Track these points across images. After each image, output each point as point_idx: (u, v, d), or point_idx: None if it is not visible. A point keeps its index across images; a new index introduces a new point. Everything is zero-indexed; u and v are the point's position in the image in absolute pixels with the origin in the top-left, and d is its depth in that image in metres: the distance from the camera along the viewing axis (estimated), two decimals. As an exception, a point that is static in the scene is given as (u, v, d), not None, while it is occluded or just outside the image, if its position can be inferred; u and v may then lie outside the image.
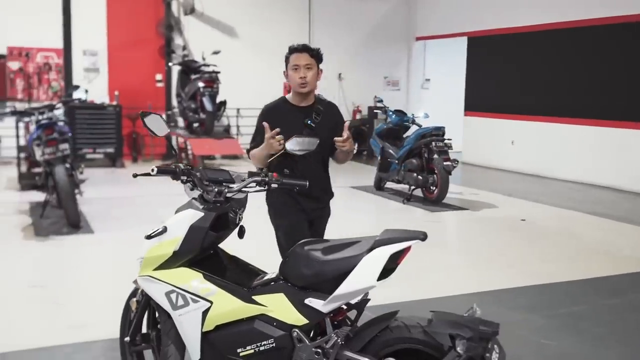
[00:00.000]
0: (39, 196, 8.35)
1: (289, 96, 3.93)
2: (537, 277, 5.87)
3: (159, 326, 3.29)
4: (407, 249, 2.84)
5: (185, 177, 3.01)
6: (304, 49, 3.80)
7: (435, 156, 8.79)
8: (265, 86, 13.70)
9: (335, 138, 3.67)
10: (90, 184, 9.37)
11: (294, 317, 2.92)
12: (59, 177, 6.89)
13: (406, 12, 15.84)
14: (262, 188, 3.18)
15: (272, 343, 2.94)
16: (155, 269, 3.09)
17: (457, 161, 8.97)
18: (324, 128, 3.79)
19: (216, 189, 3.03)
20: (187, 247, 3.01)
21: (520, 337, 4.43)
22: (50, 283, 5.49)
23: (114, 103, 12.36)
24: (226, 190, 3.05)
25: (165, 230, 3.04)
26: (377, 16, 15.54)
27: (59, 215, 7.44)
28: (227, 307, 2.98)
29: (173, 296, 3.04)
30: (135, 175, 3.02)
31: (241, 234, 3.17)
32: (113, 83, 13.01)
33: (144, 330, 3.43)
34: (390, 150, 9.62)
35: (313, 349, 2.88)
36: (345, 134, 3.67)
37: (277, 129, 3.59)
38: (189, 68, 11.37)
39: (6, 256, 6.26)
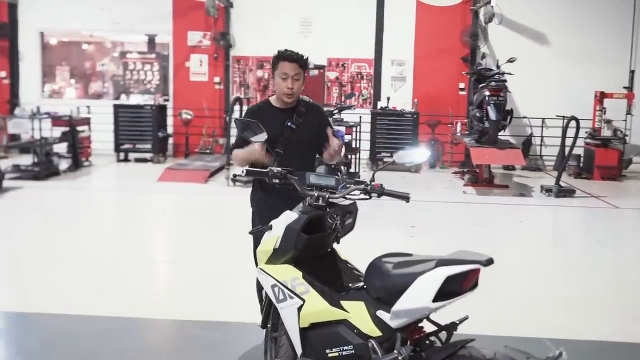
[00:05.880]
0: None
1: (272, 98, 4.06)
2: None
3: None
4: (472, 273, 2.64)
5: (277, 180, 3.21)
6: (294, 59, 3.86)
7: None
8: (575, 96, 12.87)
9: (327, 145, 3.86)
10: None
11: (369, 327, 2.94)
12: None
13: None
14: (365, 196, 3.22)
15: (351, 350, 3.00)
16: (266, 263, 3.37)
17: None
18: (306, 128, 3.94)
19: (316, 194, 3.17)
20: (284, 246, 3.21)
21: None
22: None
23: (412, 110, 12.91)
24: (327, 195, 3.17)
25: (270, 227, 3.30)
26: None
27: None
28: (317, 307, 3.11)
29: (276, 290, 3.27)
30: (234, 176, 3.35)
31: (337, 239, 3.27)
32: (417, 91, 13.61)
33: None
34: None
35: (383, 364, 2.86)
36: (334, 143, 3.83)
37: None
38: (483, 76, 11.28)
39: (240, 238, 7.12)
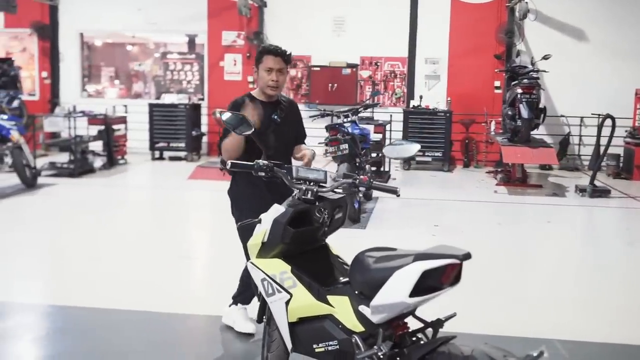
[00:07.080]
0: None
1: (255, 92, 4.10)
2: None
3: None
4: (450, 267, 2.58)
5: (263, 174, 3.20)
6: (278, 53, 3.95)
7: None
8: (614, 94, 12.51)
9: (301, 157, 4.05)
10: (401, 184, 9.91)
11: (352, 322, 2.91)
12: (338, 175, 7.57)
13: None
14: (354, 190, 3.19)
15: (337, 345, 2.97)
16: (257, 257, 3.37)
17: None
18: (288, 123, 4.07)
19: (304, 187, 3.15)
20: (271, 239, 3.20)
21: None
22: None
23: (445, 109, 12.75)
24: (315, 189, 3.15)
25: (260, 221, 3.29)
26: None
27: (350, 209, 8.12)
28: (303, 302, 3.09)
29: (265, 284, 3.26)
30: (221, 169, 3.35)
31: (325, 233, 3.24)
32: (451, 89, 13.43)
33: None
34: None
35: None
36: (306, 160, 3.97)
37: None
38: (516, 74, 11.06)
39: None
